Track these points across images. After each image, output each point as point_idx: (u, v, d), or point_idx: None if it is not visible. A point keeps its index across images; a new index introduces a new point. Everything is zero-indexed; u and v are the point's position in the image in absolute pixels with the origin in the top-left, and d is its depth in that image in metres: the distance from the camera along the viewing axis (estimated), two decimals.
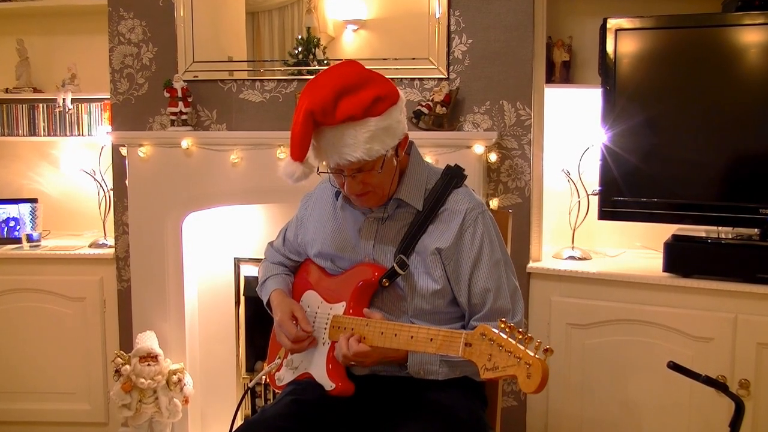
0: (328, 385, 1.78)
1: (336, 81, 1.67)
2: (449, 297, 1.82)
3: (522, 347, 1.41)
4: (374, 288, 1.80)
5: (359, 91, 1.67)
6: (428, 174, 1.86)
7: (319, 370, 1.82)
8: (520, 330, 1.44)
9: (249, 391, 3.13)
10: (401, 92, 1.76)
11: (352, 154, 1.66)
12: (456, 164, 1.89)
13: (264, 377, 1.98)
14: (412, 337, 1.64)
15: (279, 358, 1.94)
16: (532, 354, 1.39)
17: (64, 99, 3.33)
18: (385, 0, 2.89)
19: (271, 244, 2.14)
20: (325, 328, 1.84)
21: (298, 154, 1.70)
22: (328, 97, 1.64)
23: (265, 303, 2.01)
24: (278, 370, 1.96)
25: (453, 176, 1.85)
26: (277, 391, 1.98)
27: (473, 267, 1.78)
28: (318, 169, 1.77)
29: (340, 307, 1.83)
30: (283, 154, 2.84)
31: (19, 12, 3.45)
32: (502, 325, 1.46)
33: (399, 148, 1.78)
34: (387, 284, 1.78)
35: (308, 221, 2.00)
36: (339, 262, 1.90)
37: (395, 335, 1.66)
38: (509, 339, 1.44)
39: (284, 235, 2.09)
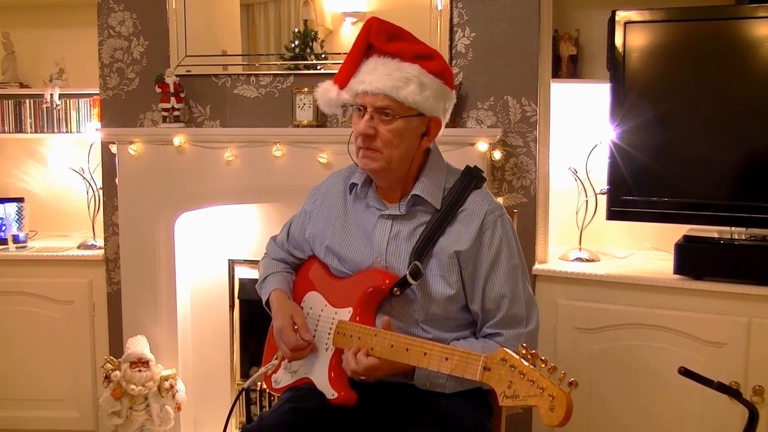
0: (330, 393, 1.77)
1: (411, 35, 1.83)
2: (462, 303, 1.81)
3: (545, 377, 1.39)
4: (384, 296, 1.79)
5: (423, 48, 1.80)
6: (447, 173, 1.87)
7: (320, 378, 1.81)
8: (543, 358, 1.42)
9: (243, 397, 3.14)
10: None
11: (383, 82, 1.73)
12: (476, 165, 1.89)
13: (260, 378, 1.97)
14: (425, 354, 1.61)
15: (276, 359, 1.93)
16: (556, 386, 1.37)
17: (51, 94, 3.33)
18: None
19: (273, 238, 2.12)
20: (329, 333, 1.82)
21: (343, 75, 1.81)
22: (394, 28, 1.80)
23: (264, 302, 2.00)
24: (275, 371, 1.95)
25: (473, 177, 1.86)
26: (273, 393, 1.96)
27: (489, 271, 1.78)
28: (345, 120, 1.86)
29: (345, 313, 1.81)
30: (279, 151, 2.84)
31: (4, 4, 3.46)
32: (524, 351, 1.44)
33: (427, 132, 1.81)
34: (398, 293, 1.77)
35: (317, 215, 1.98)
36: (346, 263, 1.88)
37: (407, 350, 1.64)
38: (531, 367, 1.42)
39: (288, 230, 2.07)
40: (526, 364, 1.43)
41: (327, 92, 1.84)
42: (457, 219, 1.80)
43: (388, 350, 1.66)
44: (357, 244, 1.87)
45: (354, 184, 1.90)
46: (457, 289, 1.78)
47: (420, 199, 1.81)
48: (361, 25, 2.92)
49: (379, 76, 1.74)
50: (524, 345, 1.46)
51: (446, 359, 1.58)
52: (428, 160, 1.86)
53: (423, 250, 1.77)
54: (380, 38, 1.77)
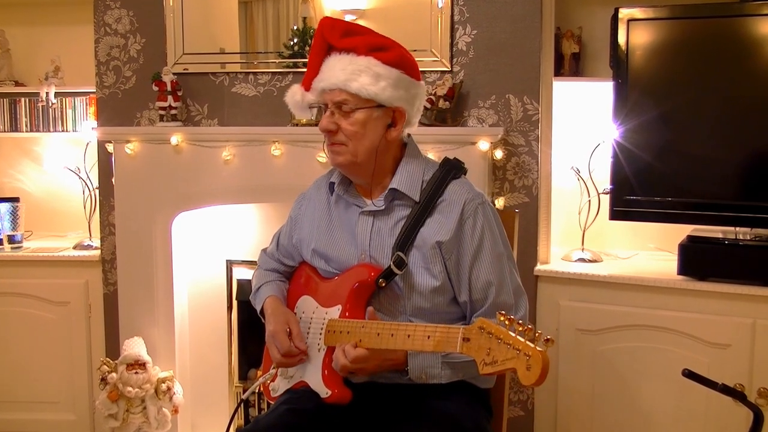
0: (324, 392, 1.78)
1: (368, 30, 1.90)
2: (450, 295, 1.83)
3: (522, 339, 1.42)
4: (371, 289, 1.81)
5: (378, 40, 1.83)
6: (425, 166, 1.89)
7: (314, 377, 1.82)
8: (520, 321, 1.44)
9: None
10: (424, 86, 1.92)
11: (337, 77, 1.79)
12: (455, 157, 1.92)
13: (258, 388, 1.98)
14: (409, 336, 1.64)
15: (274, 367, 1.94)
16: (532, 345, 1.40)
17: (47, 93, 3.33)
18: None
19: (264, 251, 2.16)
20: (320, 334, 1.84)
21: (306, 76, 1.87)
22: (348, 25, 1.86)
23: (258, 311, 2.02)
24: (273, 380, 1.96)
25: (451, 168, 1.88)
26: (271, 402, 1.98)
27: (473, 259, 1.80)
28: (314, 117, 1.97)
29: (335, 311, 1.83)
30: (278, 150, 2.84)
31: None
32: (502, 318, 1.47)
33: (393, 123, 1.83)
34: (384, 284, 1.79)
35: (302, 219, 2.02)
36: (333, 263, 1.90)
37: (392, 335, 1.67)
38: (508, 331, 1.45)
39: (278, 240, 2.11)
40: (503, 329, 1.45)
41: (294, 95, 1.91)
42: (436, 210, 1.82)
43: (376, 339, 1.69)
44: (342, 244, 1.89)
45: (333, 183, 1.93)
46: (443, 280, 1.80)
47: (398, 192, 1.84)
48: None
49: (335, 72, 1.80)
50: (502, 312, 1.48)
51: (428, 337, 1.61)
52: (405, 153, 1.89)
53: (405, 242, 1.80)
54: (334, 36, 1.83)
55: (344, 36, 1.83)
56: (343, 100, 1.79)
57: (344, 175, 1.92)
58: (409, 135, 1.93)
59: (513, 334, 1.43)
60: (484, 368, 1.47)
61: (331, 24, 1.84)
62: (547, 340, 1.41)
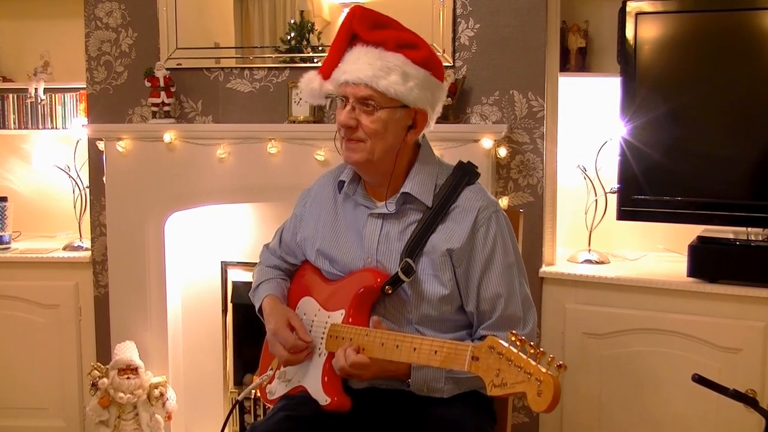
0: (323, 399, 1.78)
1: (397, 23, 1.84)
2: (457, 303, 1.82)
3: (533, 362, 1.41)
4: (376, 295, 1.80)
5: (408, 37, 1.80)
6: (439, 169, 1.88)
7: (313, 383, 1.82)
8: (532, 344, 1.43)
9: (237, 406, 3.14)
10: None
11: (364, 72, 1.74)
12: (469, 161, 1.90)
13: (254, 390, 1.98)
14: (414, 349, 1.63)
15: (271, 369, 1.94)
16: (543, 370, 1.39)
17: (36, 89, 3.33)
18: None
19: (266, 246, 2.14)
20: (322, 338, 1.84)
21: (327, 65, 1.82)
22: (377, 16, 1.81)
23: (257, 309, 2.01)
24: (270, 382, 1.96)
25: (466, 173, 1.87)
26: (268, 405, 1.98)
27: (484, 269, 1.79)
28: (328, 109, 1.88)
29: (338, 315, 1.83)
30: (274, 148, 2.84)
31: None
32: (513, 338, 1.46)
33: (413, 125, 1.81)
34: (390, 291, 1.78)
35: (308, 218, 2.00)
36: (338, 265, 1.90)
37: (397, 346, 1.66)
38: (519, 353, 1.44)
39: (280, 236, 2.10)
40: (514, 350, 1.45)
41: (310, 82, 1.86)
42: (449, 216, 1.81)
43: (379, 348, 1.69)
44: (348, 245, 1.88)
45: (342, 182, 1.91)
46: (451, 288, 1.80)
47: (410, 197, 1.83)
48: None
49: (361, 65, 1.76)
50: (514, 332, 1.47)
51: (435, 352, 1.60)
52: (418, 155, 1.87)
53: (414, 248, 1.78)
54: (363, 26, 1.79)
55: (374, 28, 1.79)
56: (368, 96, 1.75)
57: (355, 173, 1.90)
58: (423, 136, 1.90)
59: (524, 357, 1.43)
60: (492, 390, 1.46)
61: (362, 13, 1.80)
62: (560, 365, 1.39)
